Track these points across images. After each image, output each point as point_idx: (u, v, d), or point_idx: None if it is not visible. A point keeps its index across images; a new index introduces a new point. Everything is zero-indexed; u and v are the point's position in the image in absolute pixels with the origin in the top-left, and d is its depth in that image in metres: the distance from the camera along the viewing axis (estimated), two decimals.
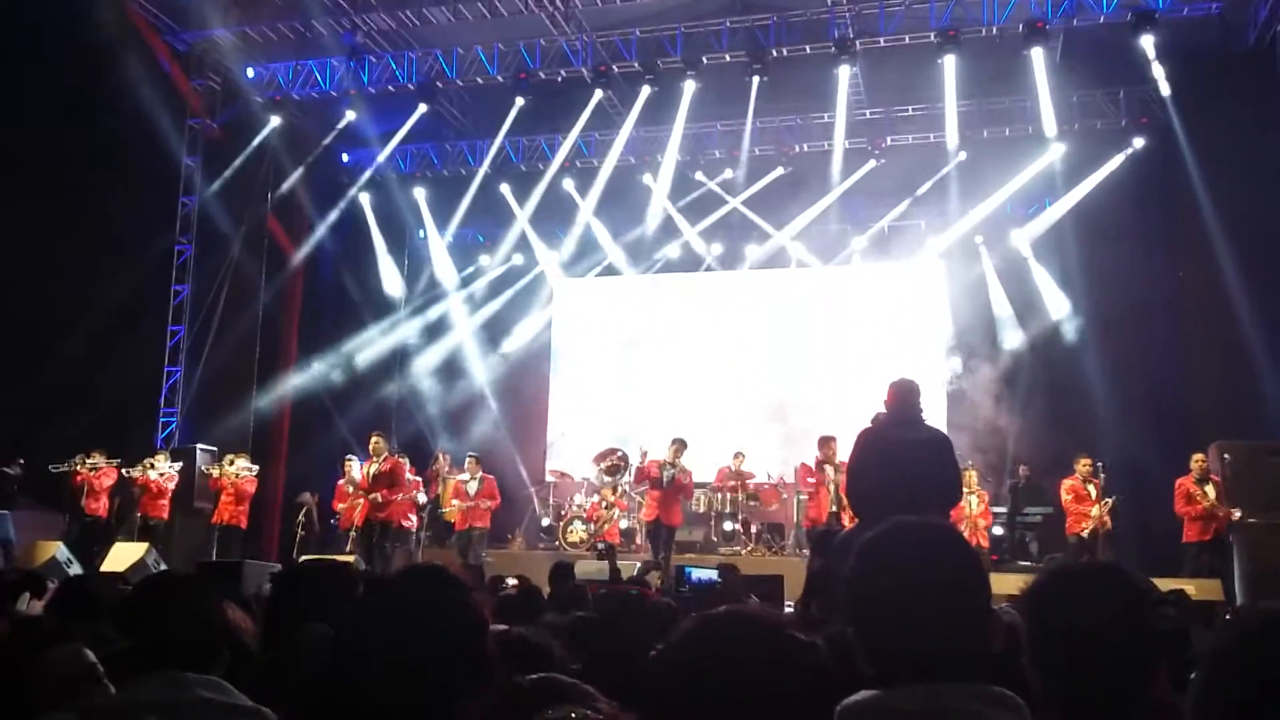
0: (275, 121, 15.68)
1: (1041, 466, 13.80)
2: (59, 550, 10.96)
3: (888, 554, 1.86)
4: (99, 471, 12.67)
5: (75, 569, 10.62)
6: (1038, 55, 13.59)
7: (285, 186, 16.29)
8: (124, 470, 12.90)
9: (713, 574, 7.87)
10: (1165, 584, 7.44)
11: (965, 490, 10.46)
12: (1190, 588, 9.28)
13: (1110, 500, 11.66)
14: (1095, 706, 1.81)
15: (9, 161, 11.84)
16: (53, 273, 12.37)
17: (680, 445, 12.66)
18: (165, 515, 13.16)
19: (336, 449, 14.66)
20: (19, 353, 12.09)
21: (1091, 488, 11.68)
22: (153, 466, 13.02)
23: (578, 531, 14.35)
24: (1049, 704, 1.84)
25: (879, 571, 1.83)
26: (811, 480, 11.62)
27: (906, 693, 1.74)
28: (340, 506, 12.89)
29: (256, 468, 13.54)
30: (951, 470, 6.29)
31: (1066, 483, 11.90)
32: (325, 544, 13.38)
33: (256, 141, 15.72)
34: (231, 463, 13.33)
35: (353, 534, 12.48)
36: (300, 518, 13.72)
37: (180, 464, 13.42)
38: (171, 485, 13.15)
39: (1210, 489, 10.91)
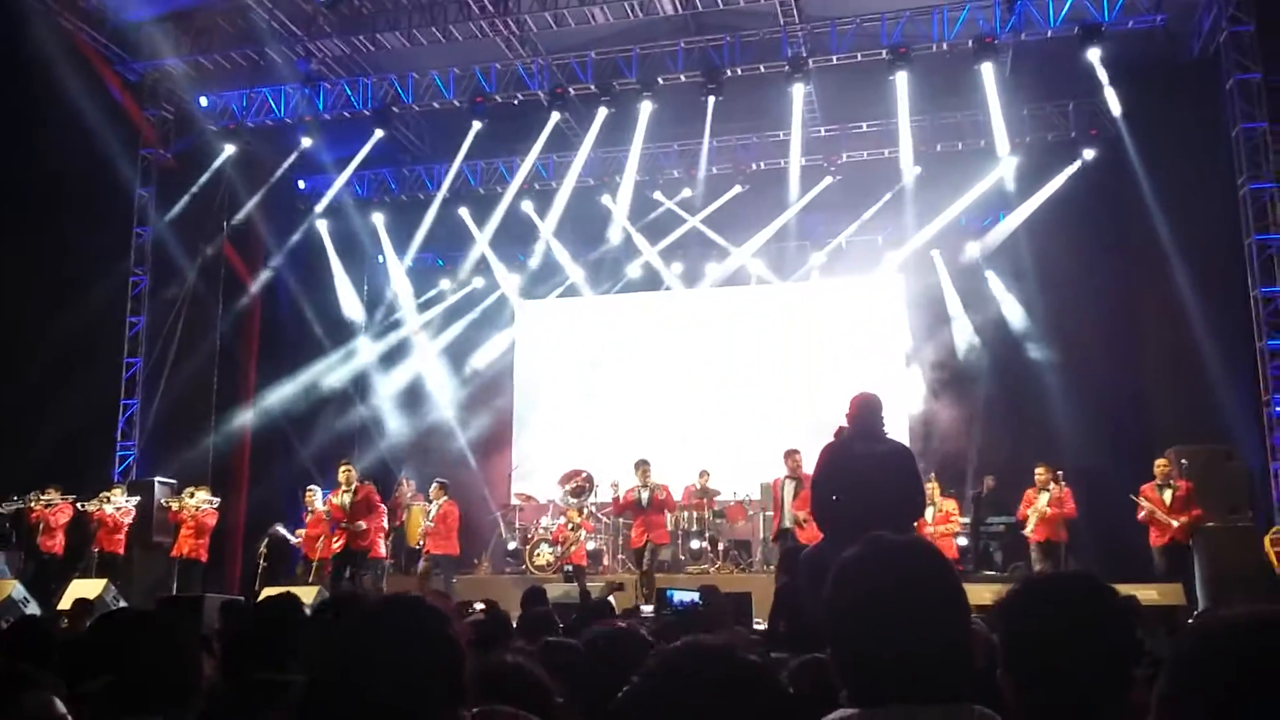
0: (230, 150, 15.54)
1: (1004, 476, 13.91)
2: (15, 589, 10.74)
3: (864, 572, 1.83)
4: (54, 508, 12.44)
5: (33, 608, 10.42)
6: (988, 70, 13.78)
7: (241, 215, 16.13)
8: (79, 505, 12.67)
9: (694, 595, 7.85)
10: (1124, 589, 7.50)
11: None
12: (1153, 592, 9.41)
13: (1052, 490, 11.69)
14: (1070, 716, 1.80)
15: None
16: (5, 305, 12.19)
17: (646, 465, 12.69)
18: (122, 550, 12.95)
19: (298, 479, 14.51)
20: None
21: (1045, 494, 11.75)
22: (109, 500, 12.81)
23: (544, 555, 14.27)
24: (1024, 715, 1.83)
25: (856, 591, 1.81)
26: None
27: (885, 714, 1.72)
28: (299, 536, 12.76)
29: (217, 499, 13.32)
30: (914, 483, 6.32)
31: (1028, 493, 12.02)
32: (289, 575, 13.23)
33: (211, 170, 15.57)
34: (191, 495, 13.11)
35: (316, 564, 12.34)
36: (262, 549, 13.54)
37: (137, 497, 13.21)
38: (128, 519, 12.93)
39: (1168, 494, 11.03)
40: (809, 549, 6.84)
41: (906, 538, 1.92)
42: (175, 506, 13.05)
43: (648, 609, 9.83)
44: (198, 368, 15.24)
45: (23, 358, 12.47)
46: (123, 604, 10.81)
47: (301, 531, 13.22)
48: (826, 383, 15.17)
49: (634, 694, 1.59)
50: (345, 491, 12.13)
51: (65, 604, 10.62)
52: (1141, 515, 11.13)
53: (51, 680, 2.89)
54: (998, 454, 14.47)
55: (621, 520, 14.31)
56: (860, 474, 5.97)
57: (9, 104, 12.11)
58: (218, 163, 15.58)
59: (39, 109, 12.39)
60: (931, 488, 12.02)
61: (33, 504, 12.33)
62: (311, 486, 13.05)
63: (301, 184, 17.77)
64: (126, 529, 12.94)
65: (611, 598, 10.33)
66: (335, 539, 12.16)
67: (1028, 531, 11.86)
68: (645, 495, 12.55)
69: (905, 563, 1.83)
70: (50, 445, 12.54)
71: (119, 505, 12.85)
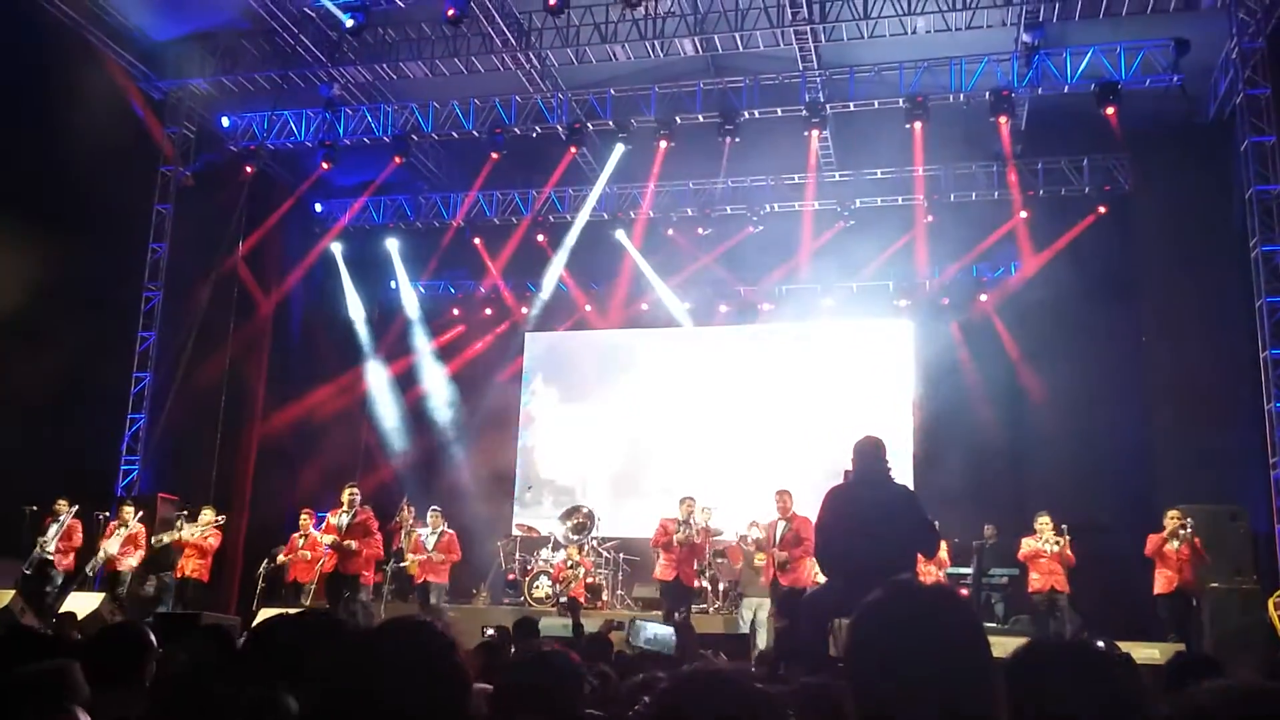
0: (249, 170, 15.69)
1: (1007, 528, 13.84)
2: (12, 599, 10.71)
3: (886, 621, 1.80)
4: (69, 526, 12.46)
5: (29, 619, 10.38)
6: (1003, 123, 13.87)
7: (257, 235, 16.25)
8: (154, 538, 12.70)
9: (668, 631, 7.80)
10: (1124, 647, 7.45)
11: None
12: (1154, 651, 9.33)
13: (1061, 539, 11.63)
14: None
15: None
16: (20, 315, 12.25)
17: (690, 502, 12.56)
18: (206, 576, 12.94)
19: (301, 500, 14.49)
20: None
21: (1046, 547, 11.68)
22: (181, 529, 12.76)
23: (543, 587, 14.22)
24: None
25: (878, 640, 1.77)
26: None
27: None
28: (284, 558, 12.75)
29: (223, 518, 13.26)
30: (922, 525, 6.28)
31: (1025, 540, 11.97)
32: (287, 596, 13.17)
33: (229, 190, 15.70)
34: (193, 518, 13.04)
35: (310, 587, 12.29)
36: (261, 569, 13.50)
37: (223, 517, 13.17)
38: (215, 542, 12.90)
39: (1175, 544, 10.93)
40: (811, 592, 6.81)
41: (930, 585, 1.91)
42: (175, 536, 12.89)
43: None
44: (206, 386, 15.27)
45: (34, 368, 12.50)
46: (119, 619, 10.79)
47: (282, 555, 13.14)
48: (832, 425, 15.13)
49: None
50: (345, 512, 12.11)
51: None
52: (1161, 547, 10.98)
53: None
54: (1001, 504, 14.41)
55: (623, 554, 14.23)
56: (865, 518, 5.96)
57: (33, 116, 12.22)
58: (236, 183, 15.71)
59: (62, 122, 12.49)
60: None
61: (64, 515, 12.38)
62: (306, 509, 13.03)
63: (318, 207, 17.90)
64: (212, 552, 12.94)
65: (611, 635, 10.26)
66: (326, 559, 12.15)
67: (1034, 576, 11.73)
68: (686, 531, 12.29)
69: (925, 610, 1.81)
70: (57, 457, 12.55)
71: (204, 530, 12.80)
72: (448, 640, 1.86)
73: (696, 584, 14.09)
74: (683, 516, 12.33)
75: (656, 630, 8.44)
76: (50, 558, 12.22)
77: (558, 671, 2.49)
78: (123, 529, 12.49)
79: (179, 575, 12.85)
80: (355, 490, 12.36)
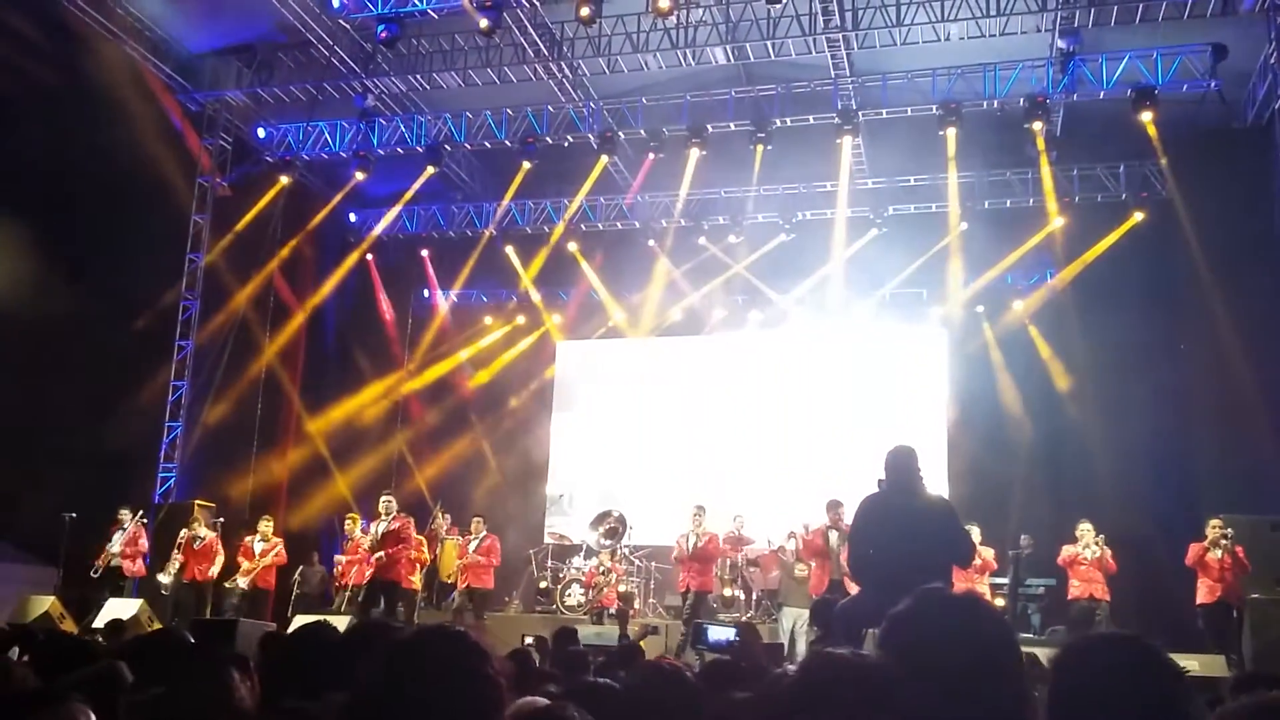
0: (284, 181, 15.86)
1: (1043, 537, 13.70)
2: (52, 605, 10.87)
3: (917, 627, 1.79)
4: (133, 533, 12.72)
5: (68, 625, 10.52)
6: (1038, 129, 13.77)
7: (292, 245, 16.42)
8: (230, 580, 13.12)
9: (730, 633, 7.79)
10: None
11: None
12: (1194, 663, 9.20)
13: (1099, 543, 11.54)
14: None
15: (20, 214, 11.98)
16: (57, 322, 12.42)
17: (700, 512, 12.72)
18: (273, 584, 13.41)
19: (336, 507, 14.60)
20: (20, 402, 12.09)
21: (1087, 552, 11.59)
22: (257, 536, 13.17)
23: (575, 595, 14.23)
24: None
25: (909, 646, 1.76)
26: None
27: None
28: (340, 560, 12.84)
29: (278, 542, 13.51)
30: (957, 534, 6.22)
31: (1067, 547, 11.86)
32: (325, 603, 13.28)
33: (265, 200, 15.88)
34: (257, 529, 13.28)
35: (348, 594, 12.38)
36: (296, 576, 13.62)
37: (279, 541, 13.52)
38: (270, 559, 13.20)
39: (1218, 553, 10.80)
40: (844, 602, 6.77)
41: (959, 592, 1.89)
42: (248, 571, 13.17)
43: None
44: (243, 394, 15.46)
45: (72, 376, 12.69)
46: (156, 625, 10.91)
47: (341, 559, 13.25)
48: (865, 434, 15.05)
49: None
50: (382, 521, 12.22)
51: (99, 623, 10.72)
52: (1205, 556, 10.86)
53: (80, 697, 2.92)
54: (1037, 514, 14.26)
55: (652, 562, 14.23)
56: (900, 527, 5.92)
57: (74, 129, 12.40)
58: (272, 193, 15.89)
59: (102, 135, 12.68)
60: (974, 533, 11.84)
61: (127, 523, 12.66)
62: (352, 513, 13.12)
63: (353, 216, 18.05)
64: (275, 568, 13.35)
65: (644, 643, 10.25)
66: (368, 568, 12.23)
67: (1074, 583, 11.62)
68: (691, 541, 12.46)
69: (958, 617, 1.80)
70: (95, 463, 12.70)
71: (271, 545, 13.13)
72: (483, 651, 1.85)
73: (729, 592, 14.08)
74: (692, 527, 12.31)
75: (720, 633, 8.44)
76: (119, 564, 12.47)
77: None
78: (120, 532, 12.66)
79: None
80: (390, 498, 12.44)
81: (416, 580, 13.07)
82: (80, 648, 4.89)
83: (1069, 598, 11.80)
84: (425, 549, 13.45)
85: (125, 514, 12.76)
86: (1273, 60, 12.50)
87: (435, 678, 1.78)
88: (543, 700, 2.62)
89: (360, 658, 2.49)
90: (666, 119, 15.01)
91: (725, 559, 14.30)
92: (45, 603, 10.91)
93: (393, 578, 12.09)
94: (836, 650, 1.65)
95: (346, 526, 13.13)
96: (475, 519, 13.63)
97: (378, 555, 11.93)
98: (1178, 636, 10.98)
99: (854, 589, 10.21)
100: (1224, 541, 10.71)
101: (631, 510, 15.36)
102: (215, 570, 12.90)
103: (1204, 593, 10.90)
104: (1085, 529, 11.66)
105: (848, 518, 10.84)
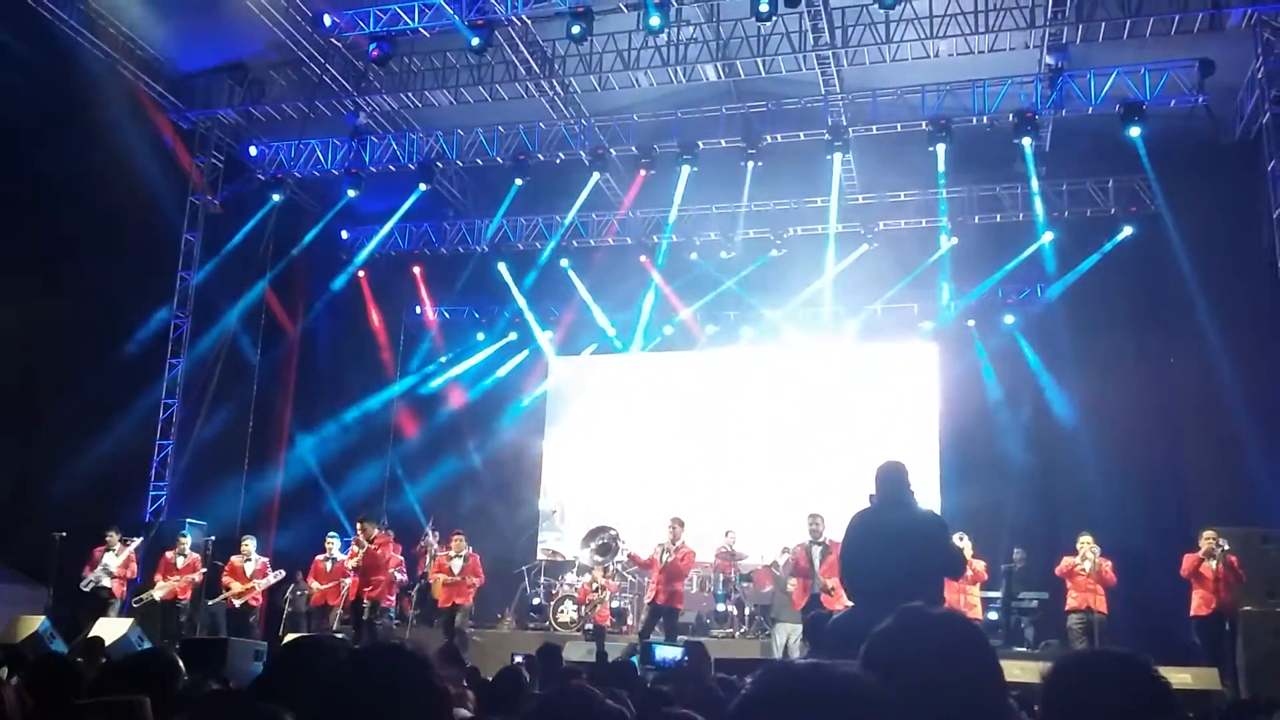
0: (276, 198, 15.88)
1: (1035, 551, 13.73)
2: (42, 624, 10.79)
3: (897, 646, 1.79)
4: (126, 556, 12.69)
5: (58, 644, 10.46)
6: (1027, 144, 13.84)
7: (284, 262, 16.42)
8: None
9: (678, 653, 7.73)
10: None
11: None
12: (1186, 675, 9.21)
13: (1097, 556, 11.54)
14: None
15: (12, 231, 11.98)
16: (49, 341, 12.41)
17: (678, 525, 12.40)
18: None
19: (327, 525, 14.56)
20: (11, 420, 12.07)
21: (1085, 564, 11.58)
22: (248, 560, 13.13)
23: (568, 612, 14.20)
24: None
25: (890, 666, 1.75)
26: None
27: None
28: (314, 584, 12.80)
29: (281, 574, 13.50)
30: (947, 549, 6.23)
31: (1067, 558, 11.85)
32: (313, 621, 13.22)
33: (257, 218, 15.89)
34: (248, 558, 13.23)
35: (338, 613, 12.35)
36: (287, 594, 13.57)
37: (282, 572, 13.50)
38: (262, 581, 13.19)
39: (1212, 563, 10.80)
40: (836, 617, 6.76)
41: (940, 610, 1.89)
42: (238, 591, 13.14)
43: None
44: (234, 411, 15.44)
45: (64, 393, 12.67)
46: (146, 645, 10.85)
47: (314, 585, 13.20)
48: (856, 448, 15.07)
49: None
50: (363, 543, 12.26)
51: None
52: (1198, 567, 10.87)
53: None
54: (1029, 527, 14.30)
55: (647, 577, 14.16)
56: (890, 542, 5.91)
57: (67, 148, 12.43)
58: (264, 211, 15.91)
59: (94, 153, 12.71)
60: (964, 544, 11.85)
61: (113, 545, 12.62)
62: (331, 535, 13.10)
63: (344, 234, 18.05)
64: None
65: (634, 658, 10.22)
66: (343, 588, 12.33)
67: (1071, 595, 11.62)
68: (665, 556, 12.23)
69: (939, 636, 1.80)
70: (85, 482, 12.66)
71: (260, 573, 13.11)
72: (423, 660, 1.90)
73: (722, 608, 14.07)
74: (669, 539, 12.19)
75: (668, 653, 8.40)
76: (109, 585, 12.44)
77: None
78: (110, 552, 12.63)
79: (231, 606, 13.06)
80: (364, 525, 12.44)
81: (391, 599, 13.13)
82: (70, 670, 4.88)
83: (1066, 609, 11.78)
84: (402, 568, 13.50)
85: (113, 535, 12.69)
86: (1259, 75, 12.60)
87: (378, 692, 1.82)
88: None
89: (299, 676, 2.52)
90: (658, 136, 15.07)
91: (720, 574, 14.30)
92: (35, 622, 10.84)
93: (375, 596, 12.20)
94: (796, 660, 1.64)
95: (327, 546, 13.08)
96: (455, 536, 13.49)
97: (360, 574, 12.02)
98: (1170, 649, 11.00)
99: (834, 604, 10.31)
100: (1218, 551, 10.73)
101: (624, 525, 15.34)
102: (200, 588, 12.85)
103: (1198, 604, 10.89)
104: (1085, 541, 11.67)
105: (827, 530, 10.93)
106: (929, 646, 1.78)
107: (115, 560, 12.60)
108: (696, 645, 8.16)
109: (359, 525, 12.54)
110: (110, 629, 10.88)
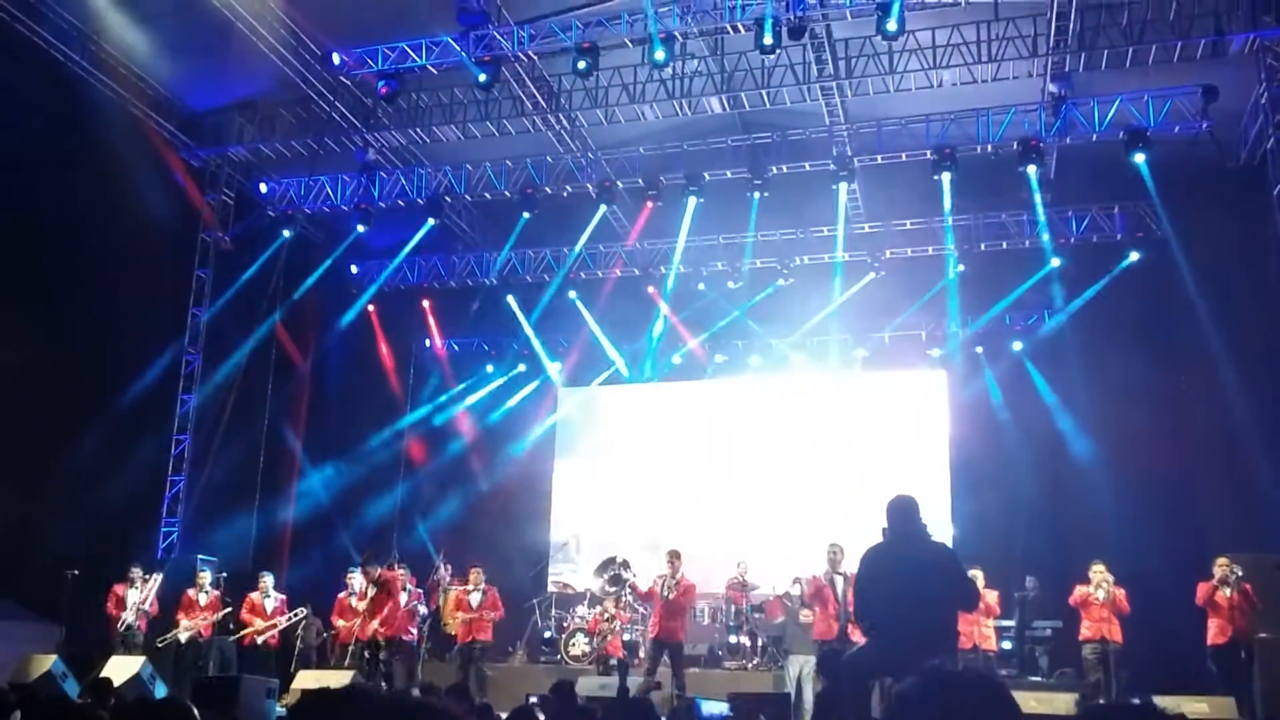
0: (286, 234, 16.00)
1: (1048, 579, 13.65)
2: (54, 663, 10.78)
3: (924, 709, 1.80)
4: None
5: (70, 684, 10.45)
6: (1032, 172, 13.89)
7: (294, 297, 16.52)
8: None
9: (724, 708, 7.63)
10: (1173, 701, 7.31)
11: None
12: (1203, 705, 9.14)
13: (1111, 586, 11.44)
14: None
15: (25, 267, 12.08)
16: (60, 378, 12.48)
17: (676, 557, 12.08)
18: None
19: (339, 559, 14.55)
20: (22, 456, 12.11)
21: (1099, 593, 11.48)
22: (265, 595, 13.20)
23: (580, 644, 14.15)
24: None
25: None
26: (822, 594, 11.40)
27: None
28: (340, 622, 12.76)
29: (303, 612, 13.52)
30: (961, 583, 6.21)
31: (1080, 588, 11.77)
32: (324, 658, 13.20)
33: (267, 254, 16.01)
34: (266, 594, 13.25)
35: (351, 649, 12.32)
36: (299, 630, 13.55)
37: (304, 610, 13.58)
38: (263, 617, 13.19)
39: (1227, 591, 10.73)
40: (850, 652, 6.75)
41: (967, 672, 1.89)
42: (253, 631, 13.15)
43: None
44: (245, 447, 15.49)
45: (76, 430, 12.72)
46: (159, 682, 10.85)
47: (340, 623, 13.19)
48: (867, 477, 15.06)
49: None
50: (369, 585, 12.23)
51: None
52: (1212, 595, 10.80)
53: None
54: (1041, 555, 14.23)
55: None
56: (904, 577, 5.91)
57: (78, 187, 12.55)
58: (274, 247, 16.02)
59: (106, 192, 12.81)
60: (977, 575, 11.77)
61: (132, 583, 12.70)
62: (353, 569, 13.08)
63: (354, 269, 18.15)
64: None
65: (652, 694, 10.18)
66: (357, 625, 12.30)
67: (1085, 624, 11.53)
68: (665, 591, 11.87)
69: (962, 701, 1.80)
70: (97, 519, 12.69)
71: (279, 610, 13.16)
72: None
73: (734, 639, 13.99)
74: (668, 572, 11.98)
75: (713, 709, 8.21)
76: (137, 623, 12.52)
77: None
78: (133, 589, 12.67)
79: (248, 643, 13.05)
80: (365, 569, 12.45)
81: (414, 632, 13.03)
82: (81, 714, 4.90)
83: (1080, 638, 11.68)
84: (421, 600, 13.45)
85: (136, 571, 12.74)
86: (1263, 100, 12.64)
87: None
88: None
89: None
90: (664, 168, 15.16)
91: (731, 605, 14.24)
92: (47, 662, 10.82)
93: (389, 634, 12.15)
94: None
95: (349, 581, 13.06)
96: (473, 570, 13.46)
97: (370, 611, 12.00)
98: (1186, 678, 10.93)
99: (858, 638, 10.21)
100: (1233, 579, 10.67)
101: (634, 556, 15.30)
102: (217, 626, 12.86)
103: (1214, 632, 10.81)
104: (1098, 570, 11.59)
105: (845, 561, 10.84)
106: (952, 714, 1.78)
107: (138, 596, 12.64)
108: (740, 703, 8.05)
109: (362, 570, 12.51)
110: (121, 668, 10.87)
